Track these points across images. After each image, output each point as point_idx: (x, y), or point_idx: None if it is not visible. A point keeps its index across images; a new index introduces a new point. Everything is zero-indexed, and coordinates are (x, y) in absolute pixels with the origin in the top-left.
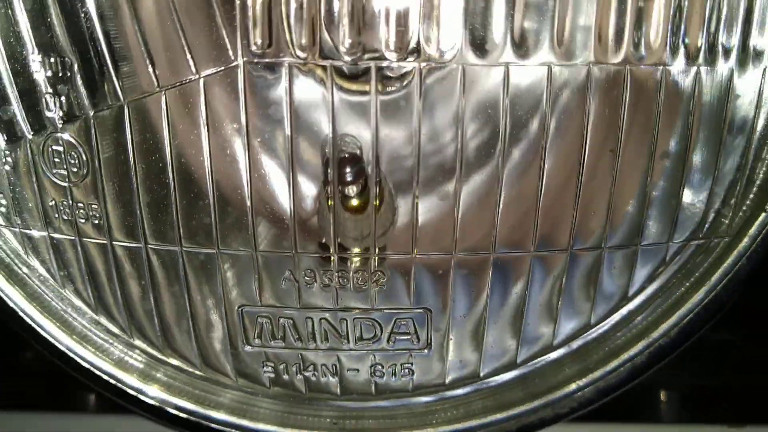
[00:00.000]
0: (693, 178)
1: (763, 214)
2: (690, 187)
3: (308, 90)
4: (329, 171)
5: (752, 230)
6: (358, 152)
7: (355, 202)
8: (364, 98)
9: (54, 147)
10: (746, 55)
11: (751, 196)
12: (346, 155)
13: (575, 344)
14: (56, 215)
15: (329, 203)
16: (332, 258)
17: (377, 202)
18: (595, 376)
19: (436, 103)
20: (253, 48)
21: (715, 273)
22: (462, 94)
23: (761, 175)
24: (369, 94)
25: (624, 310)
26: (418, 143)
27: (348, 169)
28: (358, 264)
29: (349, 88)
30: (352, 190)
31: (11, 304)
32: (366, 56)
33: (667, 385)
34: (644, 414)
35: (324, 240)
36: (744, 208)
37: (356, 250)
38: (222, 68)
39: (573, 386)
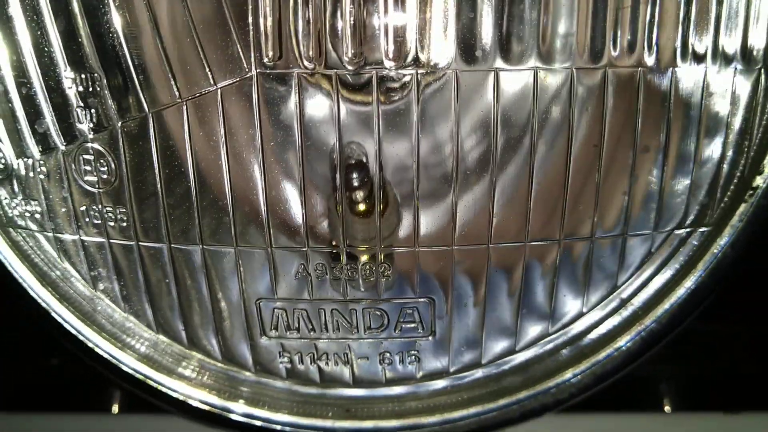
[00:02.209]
0: (675, 171)
1: (743, 204)
2: (672, 180)
3: (316, 99)
4: (337, 176)
5: (734, 220)
6: (363, 159)
7: (362, 206)
8: (367, 108)
9: (84, 156)
10: (717, 56)
11: (732, 187)
12: (352, 162)
13: (570, 332)
14: (87, 219)
15: (337, 207)
16: (341, 253)
17: (382, 206)
18: (590, 362)
19: (433, 110)
20: (265, 60)
21: (700, 261)
22: (456, 100)
23: (741, 167)
24: (371, 104)
25: (615, 298)
26: (417, 147)
27: (354, 175)
28: (365, 258)
29: (353, 98)
30: (358, 194)
31: (44, 305)
32: (367, 66)
33: (666, 376)
34: (644, 404)
35: (333, 241)
36: (726, 199)
37: (360, 231)
38: (237, 79)
39: (570, 373)
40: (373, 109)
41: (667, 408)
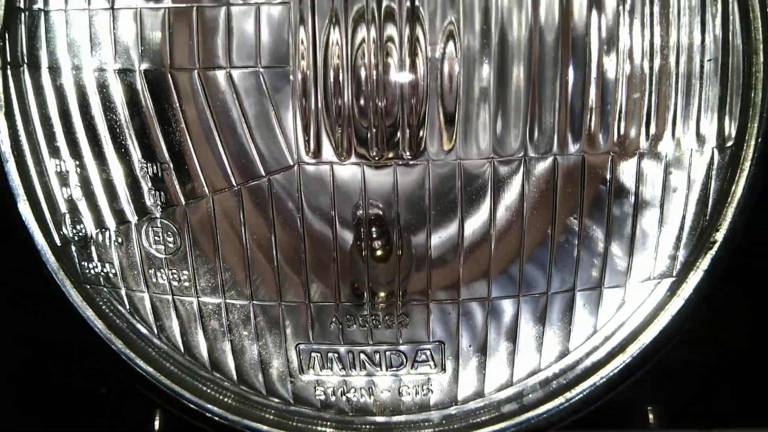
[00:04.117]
0: (643, 235)
1: (703, 257)
2: (642, 241)
3: (346, 178)
4: (362, 233)
5: (696, 270)
6: (384, 221)
7: (384, 271)
8: (387, 181)
9: (153, 228)
10: (675, 141)
11: (693, 243)
12: (377, 232)
13: (559, 366)
14: (154, 280)
15: (363, 256)
16: (366, 306)
17: (400, 270)
18: (578, 389)
19: (441, 185)
20: (305, 156)
21: (669, 305)
22: (460, 179)
23: (700, 227)
24: (392, 180)
25: (596, 339)
26: (429, 215)
27: (377, 244)
28: (387, 311)
29: (376, 177)
30: (381, 265)
31: (115, 349)
32: (387, 157)
33: (649, 398)
34: (630, 422)
35: (357, 285)
36: (688, 254)
37: (382, 294)
38: (283, 169)
39: (560, 399)
40: (393, 184)
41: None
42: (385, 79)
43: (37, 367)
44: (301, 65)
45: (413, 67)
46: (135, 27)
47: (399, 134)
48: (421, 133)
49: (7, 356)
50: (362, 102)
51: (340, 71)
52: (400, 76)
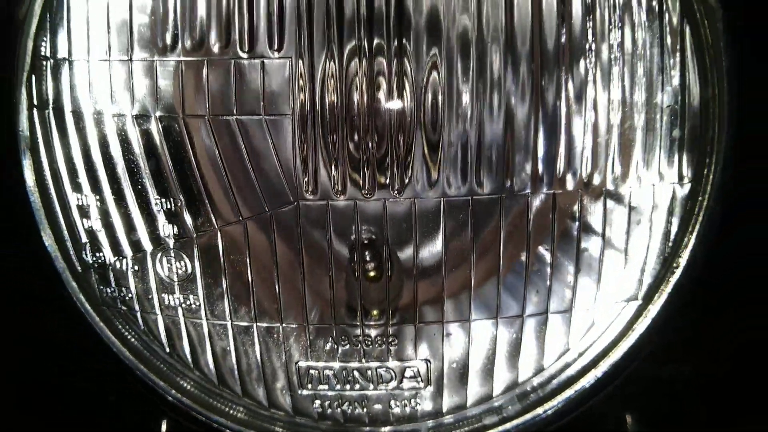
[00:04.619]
0: (612, 261)
1: (666, 281)
2: (609, 267)
3: (341, 211)
4: (355, 259)
5: (661, 293)
6: (376, 245)
7: (376, 296)
8: (377, 212)
9: (167, 257)
10: (639, 178)
11: (657, 268)
12: (369, 263)
13: (535, 381)
14: (166, 303)
15: (356, 279)
16: (359, 327)
17: (391, 294)
18: (555, 401)
19: (425, 218)
20: (305, 193)
21: (636, 325)
22: (443, 214)
23: (663, 255)
24: (381, 211)
25: (569, 356)
26: (416, 245)
27: (371, 273)
28: (378, 331)
29: (368, 208)
30: (374, 288)
31: (126, 362)
32: (377, 195)
33: (622, 408)
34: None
35: (352, 308)
36: (651, 279)
37: (375, 312)
38: (285, 207)
39: (538, 410)
40: (383, 215)
41: None
42: (375, 111)
43: (47, 370)
44: (298, 115)
45: (401, 99)
46: (151, 77)
47: (388, 173)
48: (407, 172)
49: (27, 360)
50: (355, 139)
51: (335, 114)
52: (389, 109)
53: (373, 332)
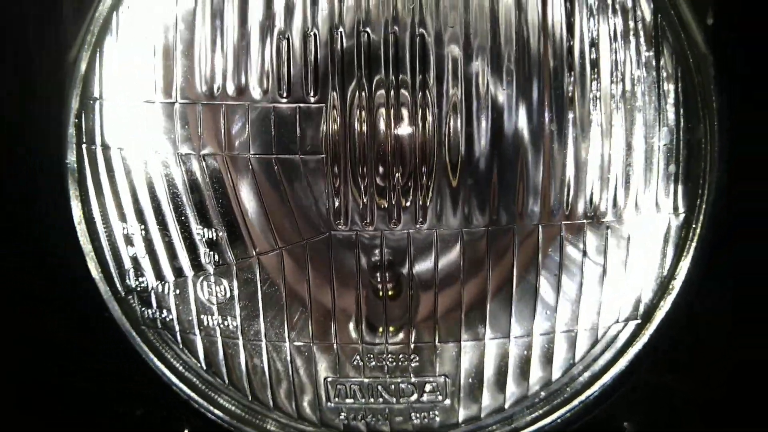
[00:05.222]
0: (611, 287)
1: (663, 302)
2: (610, 292)
3: (369, 240)
4: (381, 284)
5: (658, 313)
6: (399, 271)
7: (398, 316)
8: (402, 242)
9: (207, 282)
10: (637, 208)
11: (654, 289)
12: (392, 287)
13: (542, 393)
14: (205, 324)
15: (381, 301)
16: (385, 348)
17: (412, 315)
18: (560, 412)
19: (446, 247)
20: (336, 225)
21: (635, 342)
22: (462, 244)
23: (660, 278)
24: (405, 241)
25: (574, 370)
26: (436, 271)
27: (392, 294)
28: (399, 349)
29: (392, 238)
30: (396, 310)
31: (165, 380)
32: (402, 226)
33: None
34: None
35: (379, 340)
36: (647, 299)
37: (397, 332)
38: (318, 237)
39: (548, 420)
40: (408, 249)
41: None
42: (401, 152)
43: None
44: (331, 153)
45: (423, 134)
46: (196, 118)
47: (411, 208)
48: (429, 206)
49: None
50: (381, 173)
51: (364, 154)
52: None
53: (396, 350)
